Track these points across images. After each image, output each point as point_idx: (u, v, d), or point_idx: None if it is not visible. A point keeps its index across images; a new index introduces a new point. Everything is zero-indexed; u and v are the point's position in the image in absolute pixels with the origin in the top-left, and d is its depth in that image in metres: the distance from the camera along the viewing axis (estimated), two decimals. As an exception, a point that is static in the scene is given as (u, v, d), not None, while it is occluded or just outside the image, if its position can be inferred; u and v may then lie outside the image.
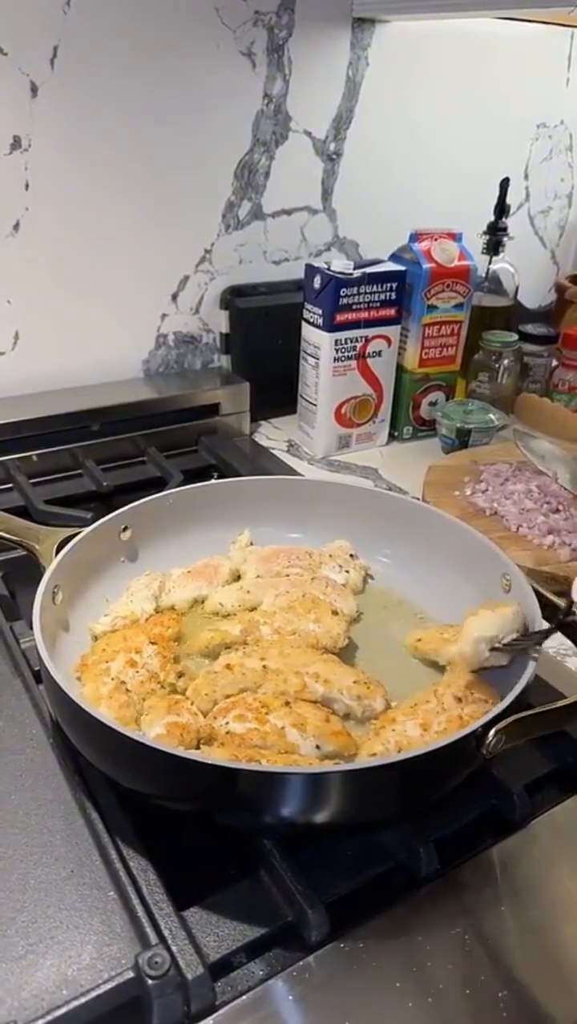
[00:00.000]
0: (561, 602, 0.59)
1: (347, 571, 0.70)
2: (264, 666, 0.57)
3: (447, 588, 0.66)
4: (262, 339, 1.08)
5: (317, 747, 0.51)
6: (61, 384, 0.98)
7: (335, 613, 0.64)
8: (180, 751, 0.47)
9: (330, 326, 0.95)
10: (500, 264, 1.12)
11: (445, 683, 0.56)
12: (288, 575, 0.69)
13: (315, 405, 1.01)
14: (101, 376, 1.01)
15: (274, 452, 1.04)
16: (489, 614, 0.56)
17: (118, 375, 1.03)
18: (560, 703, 0.49)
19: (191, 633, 0.64)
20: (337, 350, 0.97)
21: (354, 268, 0.93)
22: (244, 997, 0.42)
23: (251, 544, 0.74)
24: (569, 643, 0.60)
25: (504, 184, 1.08)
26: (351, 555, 0.72)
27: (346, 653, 0.62)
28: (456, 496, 0.88)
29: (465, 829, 0.51)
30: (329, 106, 1.06)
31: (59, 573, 0.60)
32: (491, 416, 1.02)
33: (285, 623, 0.62)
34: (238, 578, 0.71)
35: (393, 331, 1.00)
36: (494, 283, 1.12)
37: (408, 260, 1.00)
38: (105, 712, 0.51)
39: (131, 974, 0.41)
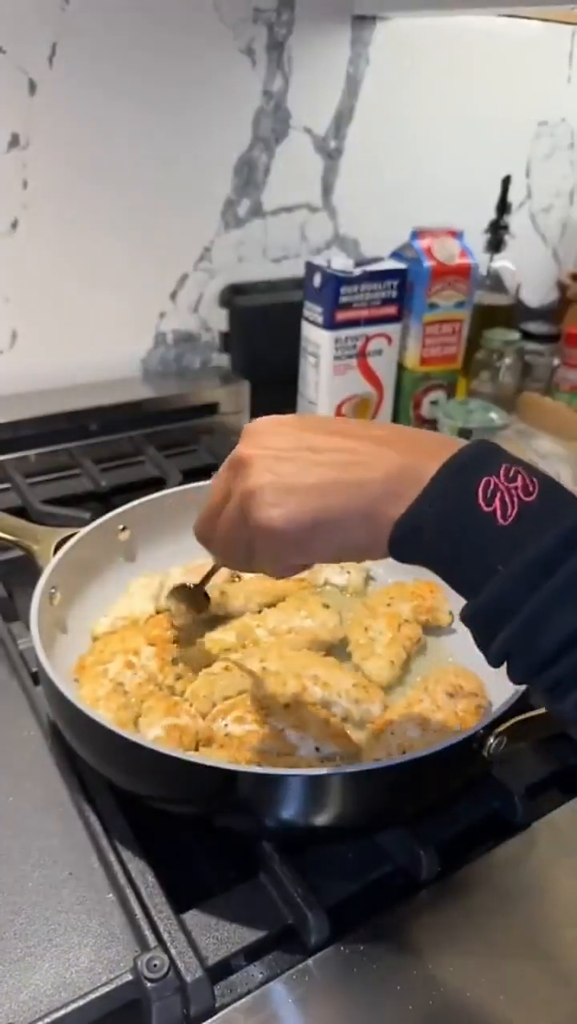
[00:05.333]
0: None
1: (348, 572, 0.70)
2: (263, 668, 0.57)
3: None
4: (262, 338, 1.08)
5: (317, 749, 0.51)
6: (59, 383, 0.98)
7: (326, 606, 0.64)
8: (179, 753, 0.47)
9: (330, 324, 0.94)
10: (501, 262, 1.11)
11: (434, 678, 0.56)
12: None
13: (315, 404, 1.01)
14: (99, 375, 1.01)
15: (274, 451, 1.04)
16: None
17: (116, 374, 1.03)
18: (561, 704, 0.49)
19: (188, 639, 0.63)
20: (337, 348, 0.96)
21: (354, 266, 0.93)
22: (243, 1000, 0.42)
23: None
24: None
25: (505, 182, 1.08)
26: None
27: (343, 652, 0.62)
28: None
29: (466, 832, 0.51)
30: (329, 103, 1.05)
31: (57, 573, 0.60)
32: (493, 415, 1.01)
33: (279, 623, 0.62)
34: (238, 578, 0.71)
35: (394, 329, 0.99)
36: (495, 281, 1.12)
37: (409, 258, 0.99)
38: (103, 714, 0.51)
39: (129, 977, 0.41)
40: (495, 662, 0.35)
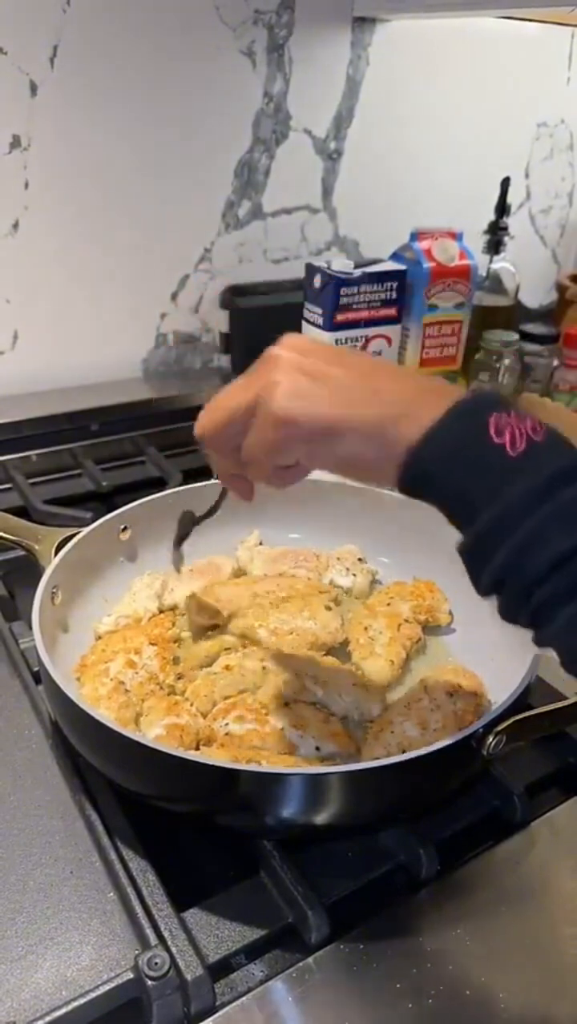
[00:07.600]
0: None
1: (354, 574, 0.69)
2: (263, 667, 0.57)
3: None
4: (262, 338, 1.06)
5: (317, 748, 0.51)
6: (60, 384, 0.98)
7: (328, 608, 0.64)
8: (180, 752, 0.47)
9: (330, 326, 0.94)
10: (501, 263, 1.11)
11: (433, 678, 0.57)
12: (294, 575, 0.69)
13: (315, 405, 1.01)
14: (100, 375, 1.01)
15: (274, 452, 1.04)
16: None
17: (117, 374, 1.03)
18: (560, 704, 0.49)
19: (189, 640, 0.63)
20: (337, 350, 0.96)
21: (354, 267, 0.93)
22: (244, 998, 0.42)
23: (260, 544, 0.74)
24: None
25: (505, 183, 1.08)
26: (359, 559, 0.71)
27: (343, 652, 0.62)
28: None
29: (466, 830, 0.51)
30: (329, 105, 1.06)
31: (58, 573, 0.60)
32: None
33: (281, 623, 0.62)
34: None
35: (393, 331, 0.99)
36: (495, 282, 1.12)
37: (408, 259, 1.00)
38: (104, 713, 0.51)
39: (130, 975, 0.41)
40: (486, 591, 0.37)
